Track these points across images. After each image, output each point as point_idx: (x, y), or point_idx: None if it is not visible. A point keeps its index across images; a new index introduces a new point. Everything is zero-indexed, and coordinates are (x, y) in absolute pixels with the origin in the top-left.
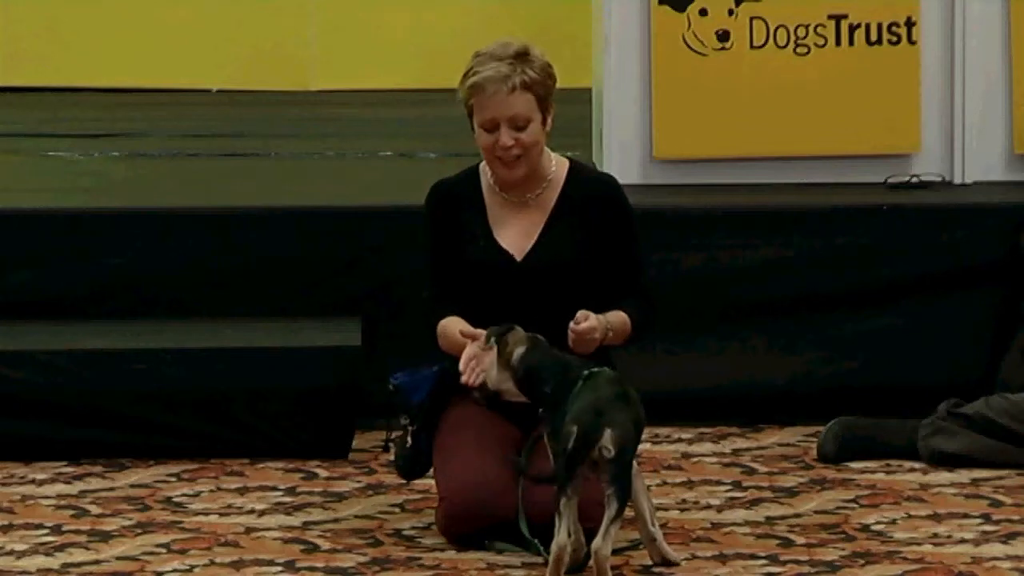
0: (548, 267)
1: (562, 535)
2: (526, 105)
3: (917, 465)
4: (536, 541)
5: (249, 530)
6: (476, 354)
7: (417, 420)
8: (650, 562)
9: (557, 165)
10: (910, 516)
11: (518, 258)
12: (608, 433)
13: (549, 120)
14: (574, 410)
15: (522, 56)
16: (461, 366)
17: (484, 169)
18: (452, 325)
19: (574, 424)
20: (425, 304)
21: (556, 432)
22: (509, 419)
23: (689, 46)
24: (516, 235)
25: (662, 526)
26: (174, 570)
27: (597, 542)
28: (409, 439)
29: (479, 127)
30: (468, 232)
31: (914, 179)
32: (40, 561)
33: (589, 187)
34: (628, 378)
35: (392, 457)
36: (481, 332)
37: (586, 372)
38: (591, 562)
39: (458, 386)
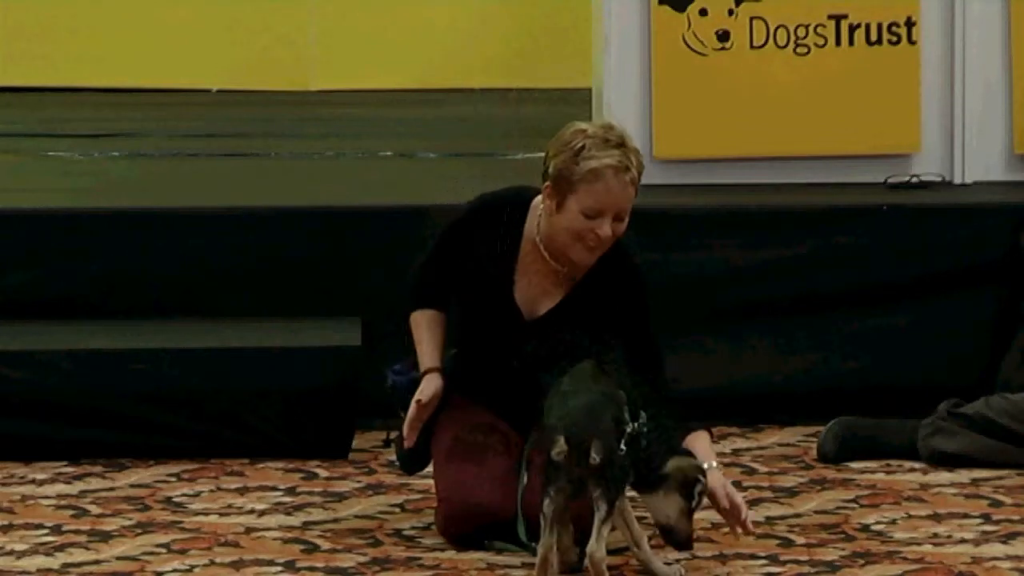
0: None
1: (548, 537)
2: (631, 199)
3: (917, 465)
4: (534, 545)
5: (249, 530)
6: (421, 416)
7: None
8: None
9: None
10: (910, 516)
11: (526, 317)
12: (596, 443)
13: None
14: (558, 413)
15: (626, 145)
16: (405, 431)
17: (533, 216)
18: (425, 342)
19: (560, 434)
20: (415, 274)
21: (542, 428)
22: (507, 419)
23: (689, 46)
24: (534, 296)
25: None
26: (174, 570)
27: (591, 545)
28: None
29: (578, 210)
30: (486, 259)
31: (914, 179)
32: (40, 561)
33: (616, 271)
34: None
35: (394, 455)
36: (427, 400)
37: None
38: (587, 563)
39: (455, 384)
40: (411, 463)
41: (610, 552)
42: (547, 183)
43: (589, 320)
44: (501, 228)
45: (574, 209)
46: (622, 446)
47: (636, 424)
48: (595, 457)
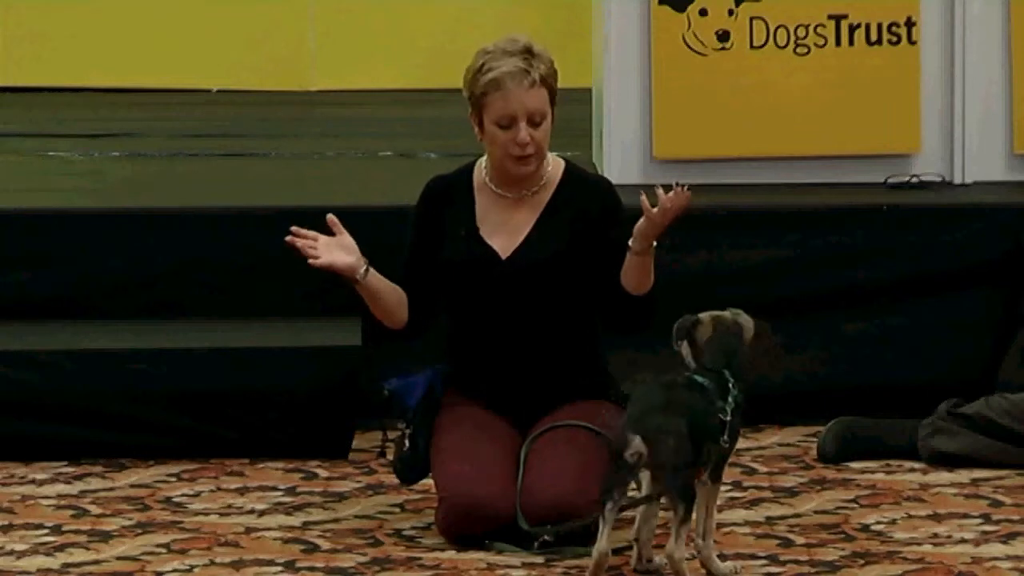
0: (533, 266)
1: (603, 542)
2: (542, 100)
3: (917, 465)
4: (534, 530)
5: (249, 530)
6: (323, 240)
7: (413, 423)
8: (657, 560)
9: (553, 165)
10: (910, 516)
11: (503, 256)
12: (636, 441)
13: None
14: (630, 416)
15: (531, 51)
16: (299, 231)
17: (479, 166)
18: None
19: (633, 434)
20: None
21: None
22: (507, 418)
23: (689, 46)
24: (504, 233)
25: (662, 525)
26: (174, 570)
27: (670, 546)
28: (407, 442)
29: (493, 124)
30: (453, 229)
31: (914, 179)
32: (40, 561)
33: (583, 189)
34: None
35: (391, 458)
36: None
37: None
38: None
39: (453, 387)
40: (409, 473)
41: (615, 551)
42: (471, 113)
43: (566, 240)
44: (455, 193)
45: (490, 125)
46: (726, 436)
47: (731, 398)
48: (638, 455)
